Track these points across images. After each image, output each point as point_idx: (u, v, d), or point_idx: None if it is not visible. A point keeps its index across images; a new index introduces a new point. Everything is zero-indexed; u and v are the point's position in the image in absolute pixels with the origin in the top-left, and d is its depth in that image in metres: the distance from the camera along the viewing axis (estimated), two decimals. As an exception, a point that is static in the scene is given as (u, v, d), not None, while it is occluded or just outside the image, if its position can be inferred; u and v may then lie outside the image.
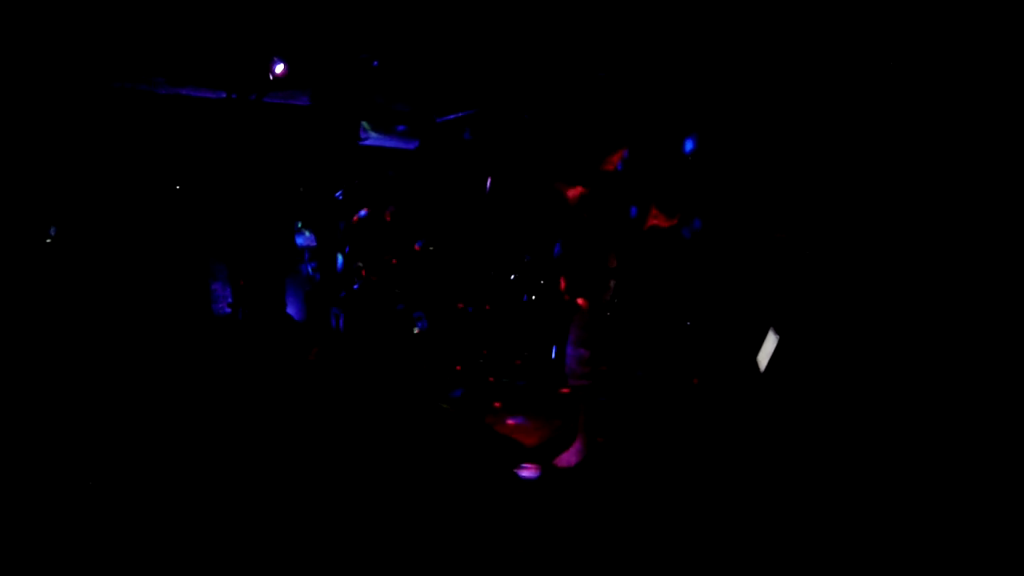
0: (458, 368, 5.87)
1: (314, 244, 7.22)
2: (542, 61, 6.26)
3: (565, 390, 5.07)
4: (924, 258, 3.50)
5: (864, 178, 3.83)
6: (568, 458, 4.25)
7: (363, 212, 6.72)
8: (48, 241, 6.08)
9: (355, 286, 6.72)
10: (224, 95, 6.67)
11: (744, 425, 4.07)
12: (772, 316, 4.10)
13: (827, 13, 4.04)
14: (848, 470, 3.47)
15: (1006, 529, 2.96)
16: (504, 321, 6.61)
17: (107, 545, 3.08)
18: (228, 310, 6.69)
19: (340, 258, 6.87)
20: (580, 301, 4.19)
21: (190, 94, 6.71)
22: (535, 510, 3.67)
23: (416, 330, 6.64)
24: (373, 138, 7.78)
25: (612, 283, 4.23)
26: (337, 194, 7.19)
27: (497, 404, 5.41)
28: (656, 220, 4.45)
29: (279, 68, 6.53)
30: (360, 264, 6.77)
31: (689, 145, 4.58)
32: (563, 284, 4.41)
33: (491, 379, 6.03)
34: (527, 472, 4.14)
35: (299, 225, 7.17)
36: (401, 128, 7.80)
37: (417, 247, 6.70)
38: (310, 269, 7.18)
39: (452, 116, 7.48)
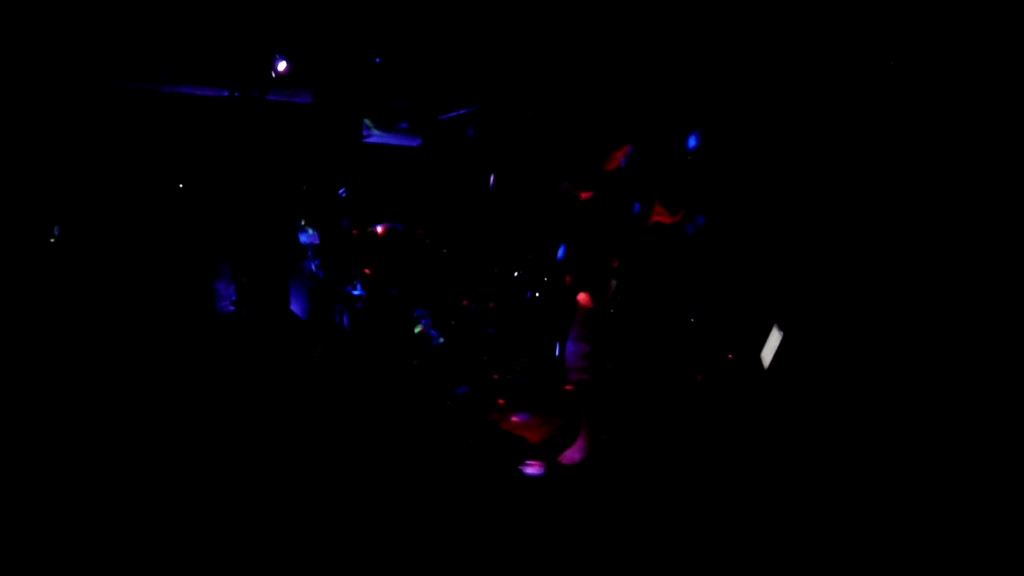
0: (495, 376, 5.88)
1: (317, 242, 7.21)
2: (545, 58, 6.25)
3: (569, 387, 5.07)
4: (927, 255, 3.48)
5: (867, 175, 3.82)
6: (572, 455, 4.25)
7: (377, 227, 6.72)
8: (52, 240, 6.09)
9: (356, 288, 6.72)
10: (226, 93, 6.67)
11: (747, 422, 4.06)
12: (776, 313, 4.09)
13: (829, 12, 4.03)
14: (852, 467, 3.46)
15: (1007, 529, 2.95)
16: (508, 318, 6.60)
17: (107, 545, 3.08)
18: (231, 308, 6.69)
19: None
20: (581, 298, 4.18)
21: (192, 92, 6.71)
22: (539, 507, 3.67)
23: (421, 330, 6.63)
24: (376, 135, 7.77)
25: (613, 283, 4.22)
26: (340, 191, 7.18)
27: (501, 401, 5.40)
28: (659, 217, 4.44)
29: (281, 66, 6.52)
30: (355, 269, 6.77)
31: (692, 142, 4.57)
32: (568, 279, 4.41)
33: (495, 376, 6.02)
34: (531, 469, 4.14)
35: (302, 223, 7.16)
36: (404, 125, 7.80)
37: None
38: (313, 267, 7.17)
39: (455, 113, 7.47)
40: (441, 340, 6.61)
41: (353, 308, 6.71)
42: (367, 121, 7.61)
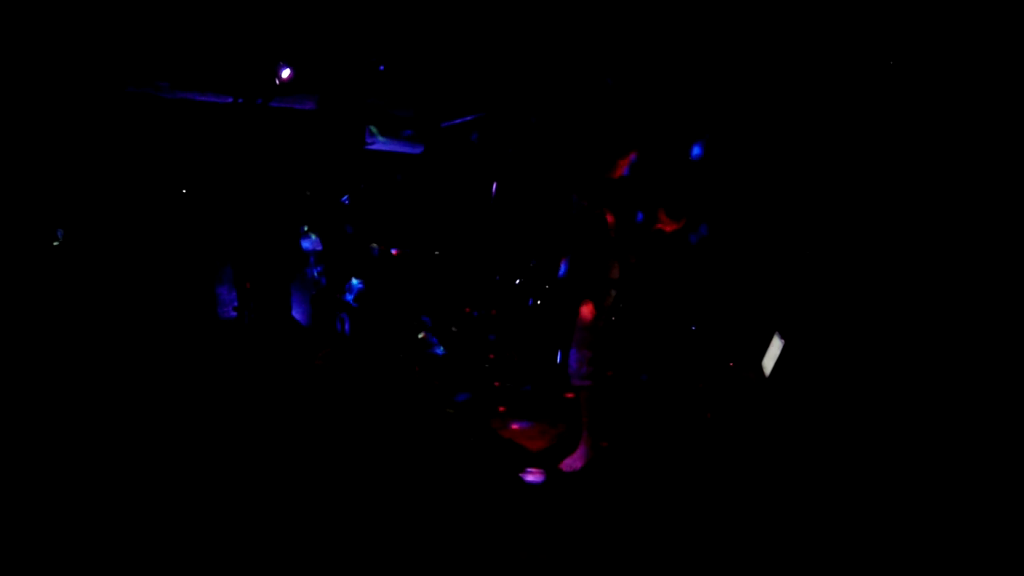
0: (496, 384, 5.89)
1: (320, 248, 7.22)
2: (549, 66, 6.27)
3: (570, 395, 5.06)
4: (930, 265, 3.48)
5: (870, 185, 3.82)
6: (572, 462, 4.24)
7: (375, 250, 6.74)
8: (55, 244, 6.11)
9: (355, 289, 6.72)
10: (230, 100, 6.69)
11: (749, 430, 4.06)
12: (777, 321, 4.09)
13: (832, 20, 4.04)
14: (854, 475, 3.45)
15: (1009, 531, 2.93)
16: (510, 325, 6.60)
17: (107, 545, 3.08)
18: (234, 314, 6.70)
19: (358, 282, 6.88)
20: (584, 310, 4.18)
21: (196, 98, 6.73)
22: (540, 515, 3.66)
23: (424, 338, 6.64)
24: (380, 142, 7.79)
25: (613, 292, 4.22)
26: (343, 198, 7.20)
27: (502, 408, 5.40)
28: (661, 224, 4.44)
29: (285, 73, 6.55)
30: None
31: (696, 151, 4.58)
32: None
33: (496, 383, 6.02)
34: (532, 477, 4.13)
35: (305, 229, 7.18)
36: (408, 133, 7.82)
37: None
38: (316, 273, 7.18)
39: (458, 120, 7.49)
40: (442, 349, 6.62)
41: (353, 315, 6.72)
42: (372, 128, 7.63)
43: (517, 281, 6.70)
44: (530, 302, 6.53)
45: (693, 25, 4.89)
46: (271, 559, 3.09)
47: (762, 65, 4.48)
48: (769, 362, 4.02)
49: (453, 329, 6.80)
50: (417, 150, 7.93)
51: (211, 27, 6.10)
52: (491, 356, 6.45)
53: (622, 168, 4.34)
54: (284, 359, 6.27)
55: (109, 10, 5.82)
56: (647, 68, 5.19)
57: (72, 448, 4.10)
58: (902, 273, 3.58)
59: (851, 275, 3.80)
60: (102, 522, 3.29)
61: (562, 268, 4.50)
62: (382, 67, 7.05)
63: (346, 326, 6.88)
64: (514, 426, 5.02)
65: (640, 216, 4.38)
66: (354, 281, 6.97)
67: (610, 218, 4.24)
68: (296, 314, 7.07)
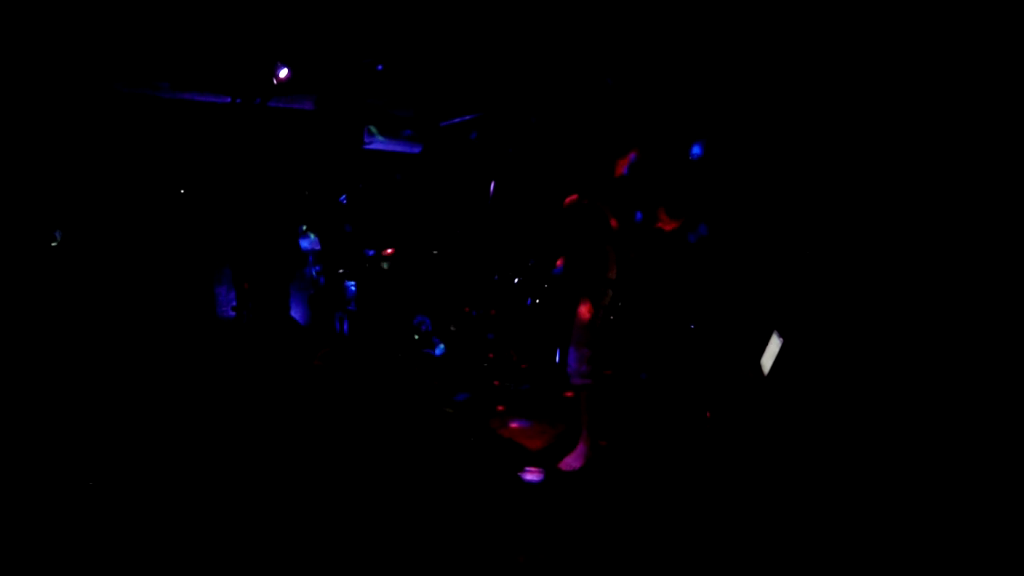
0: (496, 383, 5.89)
1: (319, 248, 7.23)
2: (548, 66, 6.27)
3: (569, 393, 5.06)
4: (929, 263, 3.48)
5: (869, 184, 3.82)
6: (571, 462, 4.24)
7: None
8: (53, 245, 6.11)
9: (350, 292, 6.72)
10: (228, 100, 6.69)
11: (747, 428, 4.06)
12: (776, 319, 4.09)
13: (833, 20, 4.04)
14: (853, 474, 3.45)
15: (1009, 532, 2.94)
16: (508, 325, 6.61)
17: (107, 545, 3.08)
18: (232, 314, 6.70)
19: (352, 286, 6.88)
20: (582, 308, 4.18)
21: (194, 98, 6.74)
22: (538, 514, 3.66)
23: (427, 339, 6.64)
24: (378, 142, 7.80)
25: (610, 292, 4.22)
26: (341, 198, 7.20)
27: (501, 408, 5.40)
28: (660, 223, 4.45)
29: (283, 73, 6.55)
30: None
31: (696, 150, 4.58)
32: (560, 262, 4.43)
33: (496, 382, 6.03)
34: (531, 476, 4.13)
35: (303, 229, 7.18)
36: (407, 132, 7.82)
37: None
38: (314, 273, 7.19)
39: (457, 120, 7.49)
40: (442, 348, 6.62)
41: (352, 315, 6.73)
42: (371, 128, 7.64)
43: (516, 280, 6.70)
44: (528, 301, 6.53)
45: (692, 25, 4.89)
46: (271, 559, 3.09)
47: (761, 65, 4.48)
48: (768, 361, 4.02)
49: (452, 328, 6.80)
50: (416, 150, 7.94)
51: (209, 27, 6.10)
52: (490, 355, 6.46)
53: (622, 167, 4.34)
54: (282, 359, 6.27)
55: (108, 11, 5.82)
56: (647, 68, 5.19)
57: (71, 447, 4.10)
58: (901, 272, 3.58)
59: (850, 274, 3.80)
60: (102, 521, 3.29)
61: (560, 267, 4.51)
62: (380, 67, 7.05)
63: (344, 326, 6.88)
64: (513, 425, 5.02)
65: (639, 215, 4.38)
66: (349, 285, 6.99)
67: (612, 219, 4.24)
68: (295, 314, 7.08)
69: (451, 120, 7.52)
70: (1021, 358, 3.14)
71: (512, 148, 6.94)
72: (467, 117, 7.36)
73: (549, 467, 4.22)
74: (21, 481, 3.63)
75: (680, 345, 4.68)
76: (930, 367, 3.38)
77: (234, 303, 6.67)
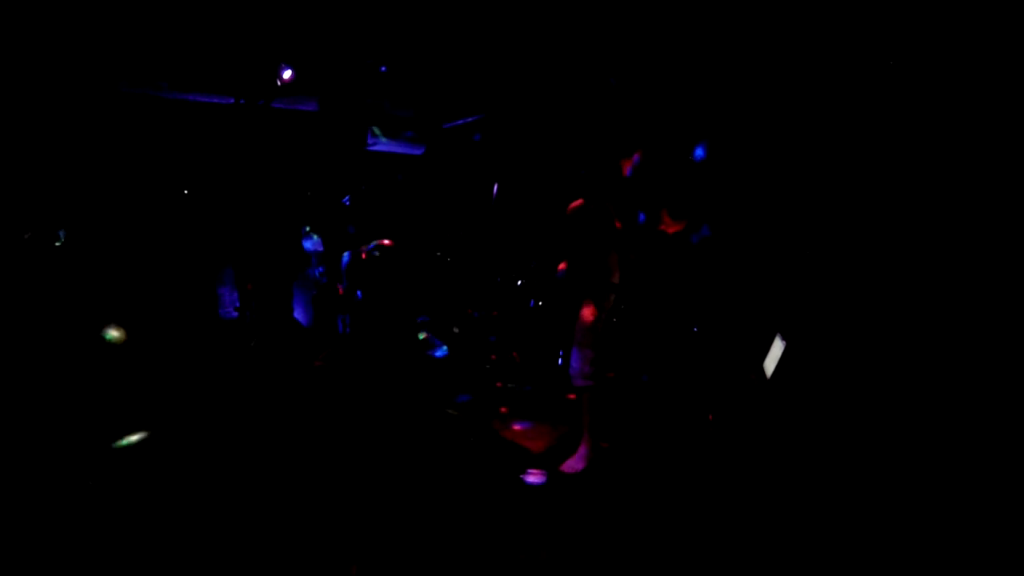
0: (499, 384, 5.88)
1: (321, 249, 7.23)
2: (551, 66, 6.27)
3: (571, 396, 5.06)
4: (932, 266, 3.47)
5: (872, 187, 3.81)
6: (574, 464, 4.23)
7: (371, 246, 6.72)
8: (57, 245, 6.11)
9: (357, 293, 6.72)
10: (232, 100, 6.70)
11: (750, 432, 4.05)
12: (779, 322, 4.08)
13: (833, 20, 4.03)
14: (855, 476, 3.44)
15: (1010, 532, 2.93)
16: (511, 326, 6.61)
17: (107, 545, 3.08)
18: (235, 314, 6.70)
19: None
20: (585, 310, 4.17)
21: (198, 99, 6.74)
22: (540, 516, 3.66)
23: (426, 339, 6.64)
24: (381, 143, 7.80)
25: (612, 296, 4.21)
26: (345, 199, 7.20)
27: (503, 409, 5.40)
28: (663, 225, 4.44)
29: (287, 74, 6.56)
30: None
31: (699, 152, 4.58)
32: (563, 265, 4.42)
33: (498, 384, 6.03)
34: (533, 478, 4.12)
35: (307, 230, 7.18)
36: (410, 134, 7.83)
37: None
38: (317, 274, 7.18)
39: (460, 121, 7.49)
40: (444, 349, 6.62)
41: (354, 315, 6.72)
42: (375, 129, 7.64)
43: (518, 282, 6.70)
44: (531, 303, 6.52)
45: (696, 26, 4.89)
46: (271, 559, 3.09)
47: (765, 67, 4.47)
48: (771, 364, 4.02)
49: (455, 330, 6.80)
50: (419, 151, 7.94)
51: (213, 28, 6.11)
52: (492, 357, 6.45)
53: (625, 169, 4.34)
54: (285, 360, 6.27)
55: (112, 11, 5.83)
56: (650, 69, 5.19)
57: (74, 447, 4.10)
58: (904, 275, 3.57)
59: (853, 277, 3.79)
60: (103, 521, 3.29)
61: (563, 270, 4.50)
62: (384, 68, 7.05)
63: (347, 327, 6.88)
64: (515, 427, 5.02)
65: (642, 217, 4.37)
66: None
67: (616, 222, 4.24)
68: (297, 315, 7.08)
69: (454, 121, 7.52)
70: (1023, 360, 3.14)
71: (513, 149, 6.94)
72: (470, 119, 7.36)
73: (551, 469, 4.21)
74: (21, 480, 3.63)
75: (683, 347, 4.68)
76: (933, 370, 3.37)
77: (237, 304, 6.67)
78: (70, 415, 4.54)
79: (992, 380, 3.21)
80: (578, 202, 4.31)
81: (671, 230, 4.35)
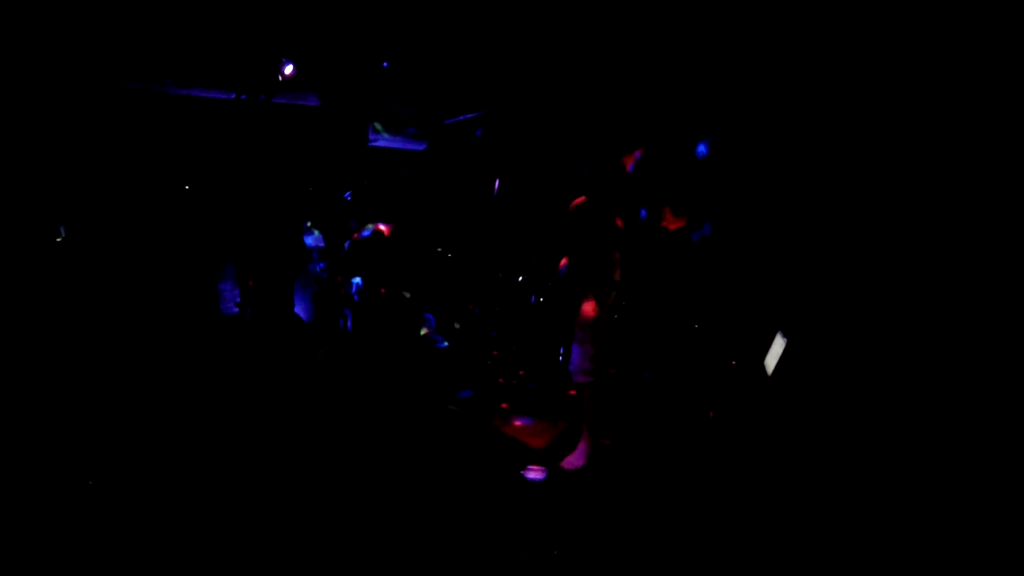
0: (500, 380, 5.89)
1: (323, 244, 7.23)
2: (554, 63, 6.26)
3: (572, 392, 5.05)
4: (933, 264, 3.46)
5: (873, 184, 3.80)
6: (574, 460, 4.24)
7: (366, 232, 6.71)
8: (58, 240, 6.12)
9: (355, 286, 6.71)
10: (233, 96, 6.70)
11: (750, 429, 4.05)
12: (780, 319, 4.08)
13: (835, 20, 4.02)
14: (856, 474, 3.44)
15: (1010, 532, 2.92)
16: (512, 322, 6.60)
17: (107, 545, 3.09)
18: (236, 310, 6.71)
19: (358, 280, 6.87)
20: (586, 307, 4.17)
21: (199, 95, 6.74)
22: (540, 512, 3.66)
23: (427, 334, 6.64)
24: (383, 139, 7.79)
25: (613, 293, 4.21)
26: (346, 195, 7.20)
27: (504, 405, 5.40)
28: (665, 222, 4.43)
29: (288, 69, 6.55)
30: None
31: (701, 149, 4.57)
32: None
33: (499, 380, 6.03)
34: (533, 474, 4.13)
35: (308, 225, 7.18)
36: (412, 130, 7.82)
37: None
38: (319, 269, 7.19)
39: (462, 117, 7.49)
40: (445, 344, 6.62)
41: (356, 309, 6.72)
42: (376, 124, 7.64)
43: (520, 278, 6.70)
44: (532, 299, 6.52)
45: (698, 23, 4.88)
46: (271, 556, 3.09)
47: (766, 64, 4.46)
48: (771, 361, 4.01)
49: (456, 326, 6.80)
50: (421, 147, 7.93)
51: (214, 24, 6.10)
52: (494, 353, 6.45)
53: (627, 166, 4.33)
54: (286, 355, 6.27)
55: (114, 8, 5.83)
56: (652, 66, 5.18)
57: (75, 442, 4.11)
58: (906, 272, 3.57)
59: (854, 274, 3.78)
60: (104, 517, 3.30)
61: (564, 267, 4.49)
62: (386, 64, 7.04)
63: (348, 322, 6.88)
64: (516, 423, 5.02)
65: (644, 213, 4.37)
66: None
67: (618, 220, 4.23)
68: (298, 311, 7.08)
69: (456, 117, 7.51)
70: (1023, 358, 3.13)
71: (516, 145, 6.93)
72: (472, 115, 7.35)
73: (552, 465, 4.21)
74: (21, 479, 3.64)
75: (683, 344, 4.67)
76: (935, 368, 3.37)
77: (238, 299, 6.67)
78: (72, 410, 4.55)
79: (993, 379, 3.21)
80: (580, 199, 4.31)
81: (672, 227, 4.34)
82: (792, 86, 4.33)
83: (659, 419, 4.70)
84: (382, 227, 6.67)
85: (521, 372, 6.15)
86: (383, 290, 6.51)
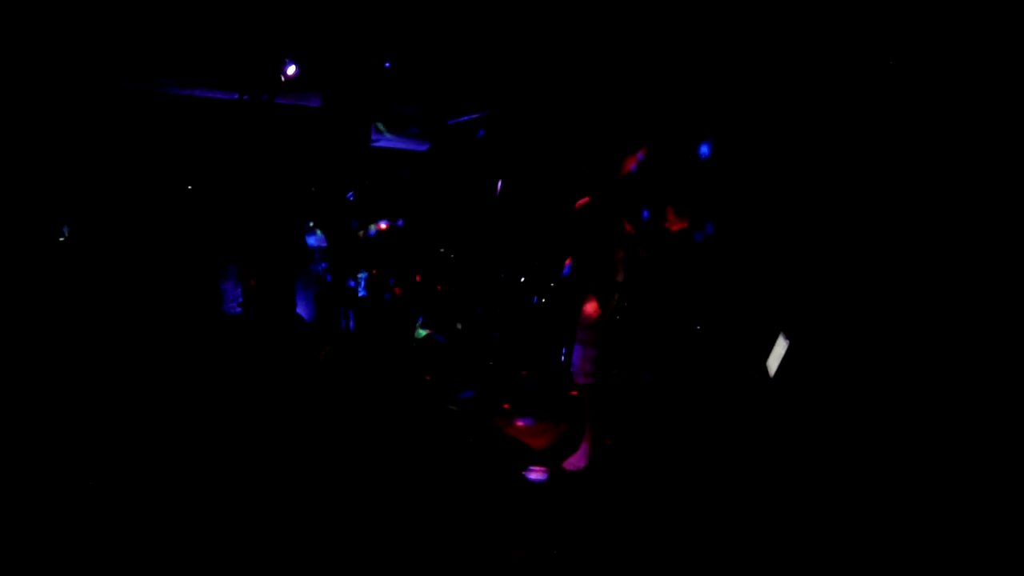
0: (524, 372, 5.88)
1: (325, 244, 7.24)
2: (557, 63, 6.26)
3: (574, 393, 5.05)
4: (936, 265, 3.46)
5: (875, 185, 3.80)
6: (576, 461, 4.23)
7: (372, 231, 6.72)
8: (61, 240, 6.13)
9: (361, 288, 6.72)
10: (236, 96, 6.70)
11: (753, 430, 4.04)
12: (782, 320, 4.07)
13: (836, 20, 4.02)
14: (858, 475, 3.44)
15: (1011, 532, 2.92)
16: (514, 323, 6.60)
17: (107, 545, 3.09)
18: (239, 310, 6.72)
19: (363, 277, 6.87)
20: (588, 307, 4.17)
21: (203, 95, 6.74)
22: (542, 513, 3.66)
23: (426, 332, 6.64)
24: (385, 139, 7.80)
25: (616, 294, 4.21)
26: (348, 195, 7.21)
27: (506, 406, 5.40)
28: (667, 223, 4.43)
29: (291, 70, 6.56)
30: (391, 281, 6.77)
31: (704, 150, 4.57)
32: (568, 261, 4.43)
33: (501, 380, 6.03)
34: (535, 475, 4.12)
35: (310, 225, 7.19)
36: (414, 130, 7.82)
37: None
38: (321, 269, 7.19)
39: (464, 118, 7.49)
40: (443, 339, 6.61)
41: (359, 310, 6.73)
42: (379, 125, 7.64)
43: (522, 279, 6.69)
44: (535, 300, 6.52)
45: (701, 24, 4.87)
46: (272, 555, 3.09)
47: (769, 65, 4.46)
48: (774, 362, 4.01)
49: (458, 326, 6.80)
50: (423, 147, 7.93)
51: (217, 24, 6.10)
52: (495, 353, 6.46)
53: (629, 166, 4.33)
54: (288, 355, 6.28)
55: (117, 8, 5.83)
56: (656, 66, 5.17)
57: (77, 440, 4.11)
58: (908, 273, 3.56)
59: (856, 275, 3.78)
60: (106, 514, 3.30)
61: (567, 268, 4.49)
62: (388, 64, 7.04)
63: (350, 322, 6.89)
64: (518, 423, 5.01)
65: (646, 214, 4.36)
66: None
67: (625, 223, 4.23)
68: (300, 310, 7.09)
69: (459, 118, 7.51)
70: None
71: (519, 146, 6.93)
72: (475, 115, 7.35)
73: (553, 466, 4.21)
74: (22, 478, 3.64)
75: (686, 345, 4.67)
76: (937, 369, 3.36)
77: (240, 299, 6.68)
78: (74, 409, 4.55)
79: (993, 378, 3.20)
80: (584, 200, 4.30)
81: (675, 228, 4.34)
82: (795, 87, 4.32)
83: (661, 420, 4.70)
84: (383, 225, 6.67)
85: (523, 372, 6.15)
86: (398, 290, 6.52)
